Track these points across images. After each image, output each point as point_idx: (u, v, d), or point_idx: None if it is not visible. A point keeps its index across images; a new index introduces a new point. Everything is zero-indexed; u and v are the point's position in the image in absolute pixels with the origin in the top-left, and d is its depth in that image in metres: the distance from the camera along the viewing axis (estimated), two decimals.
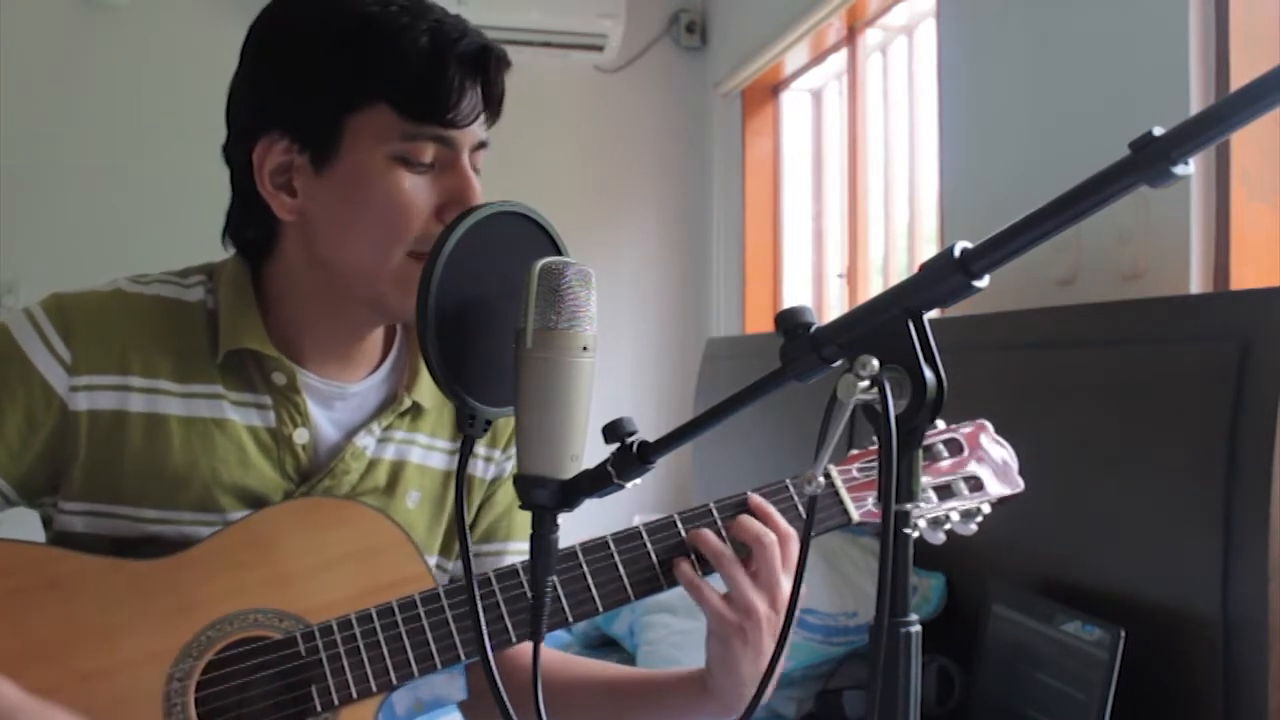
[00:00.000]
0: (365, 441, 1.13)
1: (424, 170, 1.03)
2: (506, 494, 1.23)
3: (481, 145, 1.07)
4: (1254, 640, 1.44)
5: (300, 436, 1.10)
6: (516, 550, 1.23)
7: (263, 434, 1.09)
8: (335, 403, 1.12)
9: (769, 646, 1.05)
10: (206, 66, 1.31)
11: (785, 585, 1.05)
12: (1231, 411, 1.48)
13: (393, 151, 1.02)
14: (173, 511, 1.06)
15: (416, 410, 1.16)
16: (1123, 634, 1.55)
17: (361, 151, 1.02)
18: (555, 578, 1.05)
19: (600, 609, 1.06)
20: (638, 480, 0.77)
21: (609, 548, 1.08)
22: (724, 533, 1.09)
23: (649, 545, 1.08)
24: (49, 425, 1.04)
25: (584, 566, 1.07)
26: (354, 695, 1.01)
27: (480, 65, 1.04)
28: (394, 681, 1.02)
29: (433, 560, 1.18)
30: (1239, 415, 1.47)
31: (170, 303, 1.09)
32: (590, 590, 1.06)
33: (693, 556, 1.08)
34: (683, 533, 1.09)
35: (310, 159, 1.04)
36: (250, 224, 1.10)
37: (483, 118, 1.06)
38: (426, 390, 1.15)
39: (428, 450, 1.17)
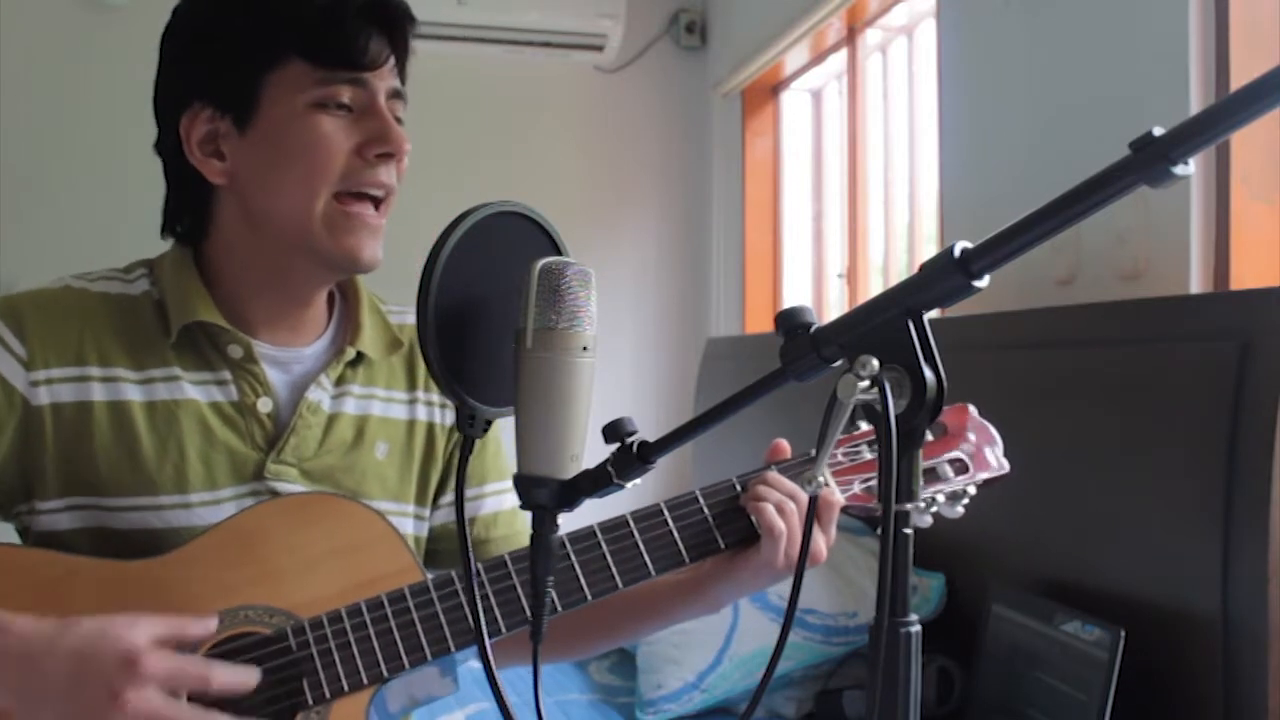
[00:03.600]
0: (318, 395, 1.15)
1: (342, 113, 1.07)
2: None
3: (397, 94, 1.11)
4: (1254, 640, 1.44)
5: (264, 405, 1.12)
6: (493, 490, 1.26)
7: (226, 408, 1.11)
8: (293, 366, 1.15)
9: (763, 584, 1.11)
10: None
11: (819, 540, 1.09)
12: (1231, 411, 1.48)
13: (309, 99, 1.06)
14: (150, 497, 1.07)
15: (364, 361, 1.18)
16: (1123, 634, 1.55)
17: (280, 104, 1.07)
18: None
19: (589, 598, 1.07)
20: (638, 480, 0.78)
21: (595, 536, 1.09)
22: (711, 514, 1.11)
23: (638, 538, 1.09)
24: (13, 423, 1.05)
25: (572, 557, 1.07)
26: (345, 688, 1.02)
27: (380, 11, 1.09)
28: (384, 674, 1.03)
29: (409, 508, 1.20)
30: (1239, 415, 1.47)
31: (117, 298, 1.12)
32: (579, 580, 1.07)
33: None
34: (669, 522, 1.10)
35: (233, 121, 1.08)
36: (186, 209, 1.14)
37: (392, 63, 1.11)
38: (369, 341, 1.18)
39: (387, 402, 1.20)
